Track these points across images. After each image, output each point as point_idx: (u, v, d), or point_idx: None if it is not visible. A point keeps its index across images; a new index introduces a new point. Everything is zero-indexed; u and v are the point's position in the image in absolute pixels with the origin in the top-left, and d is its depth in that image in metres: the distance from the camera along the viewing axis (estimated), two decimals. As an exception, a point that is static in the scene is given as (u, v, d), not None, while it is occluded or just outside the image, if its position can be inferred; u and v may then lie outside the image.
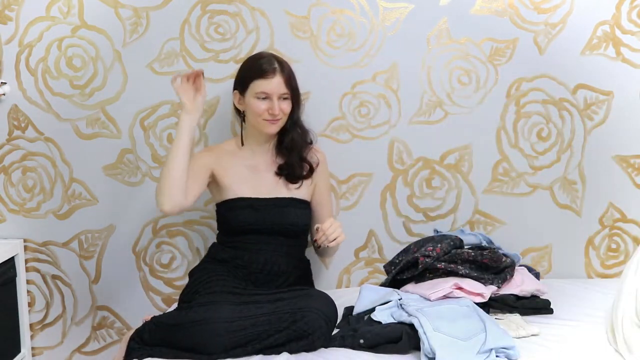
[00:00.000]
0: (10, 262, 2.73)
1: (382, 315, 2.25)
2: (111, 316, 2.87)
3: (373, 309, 2.31)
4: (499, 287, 2.39)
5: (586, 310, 2.40)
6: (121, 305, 2.86)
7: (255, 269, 2.41)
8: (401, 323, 2.18)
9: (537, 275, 2.60)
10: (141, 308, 2.83)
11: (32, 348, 2.88)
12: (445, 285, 2.34)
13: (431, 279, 2.42)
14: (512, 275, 2.44)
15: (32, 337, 2.87)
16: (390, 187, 2.80)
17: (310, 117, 2.72)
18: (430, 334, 2.05)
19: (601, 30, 2.70)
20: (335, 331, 2.25)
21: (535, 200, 2.79)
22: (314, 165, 2.53)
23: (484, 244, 2.61)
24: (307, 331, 2.10)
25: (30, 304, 2.86)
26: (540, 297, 2.44)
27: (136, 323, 2.68)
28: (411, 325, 2.14)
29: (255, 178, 2.48)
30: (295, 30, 2.70)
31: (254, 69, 2.43)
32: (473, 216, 2.81)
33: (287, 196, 2.48)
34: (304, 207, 2.50)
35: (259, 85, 2.40)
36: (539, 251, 2.82)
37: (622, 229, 2.82)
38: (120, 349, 2.24)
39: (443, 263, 2.40)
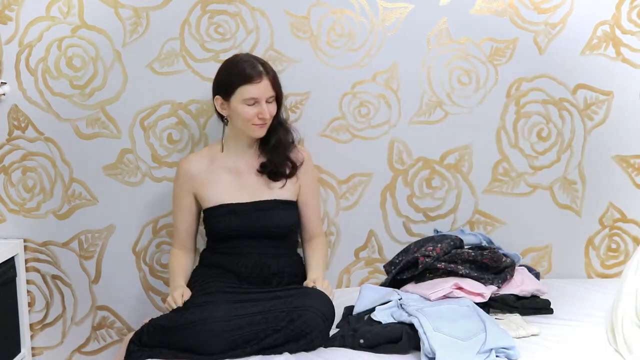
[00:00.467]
0: (10, 262, 2.72)
1: (382, 315, 2.25)
2: (111, 316, 2.87)
3: (373, 309, 2.31)
4: (499, 287, 2.39)
5: (586, 310, 2.40)
6: (121, 305, 2.86)
7: (245, 273, 2.41)
8: (401, 323, 2.18)
9: (537, 275, 2.61)
10: (141, 308, 2.83)
11: (32, 348, 2.88)
12: (445, 285, 2.34)
13: (431, 279, 2.42)
14: (512, 275, 2.44)
15: (32, 337, 2.87)
16: (390, 187, 2.80)
17: (310, 117, 2.73)
18: (430, 334, 2.05)
19: (601, 30, 2.70)
20: (335, 331, 2.25)
21: (535, 200, 2.79)
22: (298, 164, 2.51)
23: (484, 244, 2.61)
24: (305, 330, 2.10)
25: (30, 304, 2.86)
26: (540, 297, 2.44)
27: (136, 323, 2.69)
28: (411, 325, 2.14)
29: (238, 182, 2.47)
30: (295, 30, 2.70)
31: (238, 74, 2.39)
32: (473, 216, 2.81)
33: (269, 198, 2.46)
34: (288, 208, 2.49)
35: (247, 91, 2.37)
36: (539, 251, 2.82)
37: (622, 229, 2.82)
38: (120, 351, 2.24)
39: (443, 263, 2.40)
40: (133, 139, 2.76)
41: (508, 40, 2.71)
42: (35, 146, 2.77)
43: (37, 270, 2.84)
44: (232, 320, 2.10)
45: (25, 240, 2.82)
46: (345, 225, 2.80)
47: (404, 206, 2.81)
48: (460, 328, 2.10)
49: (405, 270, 2.48)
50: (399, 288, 2.47)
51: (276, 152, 2.47)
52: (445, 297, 2.32)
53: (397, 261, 2.56)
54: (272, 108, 2.42)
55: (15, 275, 2.76)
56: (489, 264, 2.41)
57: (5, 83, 2.70)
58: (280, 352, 2.09)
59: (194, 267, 2.55)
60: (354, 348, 2.13)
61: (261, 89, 2.38)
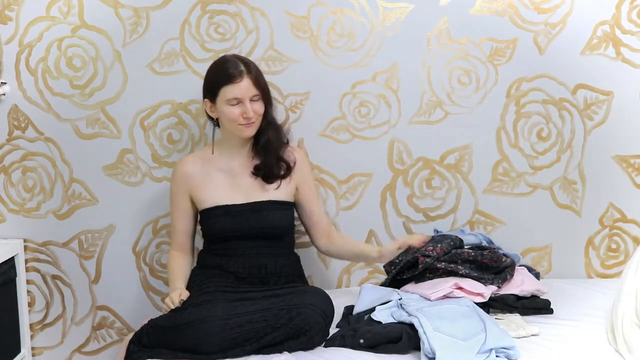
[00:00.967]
0: (10, 262, 2.73)
1: (382, 315, 2.25)
2: (111, 316, 2.87)
3: (373, 309, 2.30)
4: (499, 287, 2.39)
5: (586, 310, 2.40)
6: (121, 305, 2.86)
7: (243, 273, 2.41)
8: (401, 323, 2.18)
9: (537, 275, 2.60)
10: (141, 308, 2.83)
11: (32, 348, 2.88)
12: (445, 285, 2.34)
13: (431, 279, 2.42)
14: (512, 275, 2.44)
15: (32, 337, 2.87)
16: (390, 187, 2.80)
17: (310, 117, 2.73)
18: (431, 334, 2.05)
19: (601, 30, 2.70)
20: (335, 331, 2.25)
21: (535, 200, 2.80)
22: (292, 164, 2.50)
23: (484, 243, 2.61)
24: (305, 328, 2.10)
25: (30, 304, 2.86)
26: (541, 297, 2.43)
27: (136, 323, 2.69)
28: (411, 325, 2.14)
29: (232, 183, 2.47)
30: (295, 30, 2.70)
31: (220, 75, 2.39)
32: (473, 216, 2.81)
33: (264, 199, 2.45)
34: (283, 209, 2.48)
35: (229, 91, 2.37)
36: (539, 251, 2.82)
37: (622, 229, 2.82)
38: (120, 352, 2.24)
39: (443, 263, 2.40)
40: (133, 139, 2.76)
41: (508, 40, 2.71)
42: (35, 146, 2.77)
43: (37, 270, 2.84)
44: (231, 319, 2.10)
45: (25, 240, 2.82)
46: (345, 225, 2.80)
47: (404, 206, 2.81)
48: (460, 328, 2.09)
49: (406, 270, 2.47)
50: (399, 288, 2.47)
51: (267, 152, 2.46)
52: (445, 297, 2.32)
53: (397, 261, 2.55)
54: (257, 107, 2.40)
55: (15, 275, 2.76)
56: (489, 264, 2.41)
57: (5, 83, 2.70)
58: (280, 351, 2.09)
59: (193, 268, 2.54)
60: (354, 348, 2.13)
61: (242, 88, 2.37)
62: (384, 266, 2.60)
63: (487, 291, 2.34)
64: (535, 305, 2.37)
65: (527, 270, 2.56)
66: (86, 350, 2.90)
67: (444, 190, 2.80)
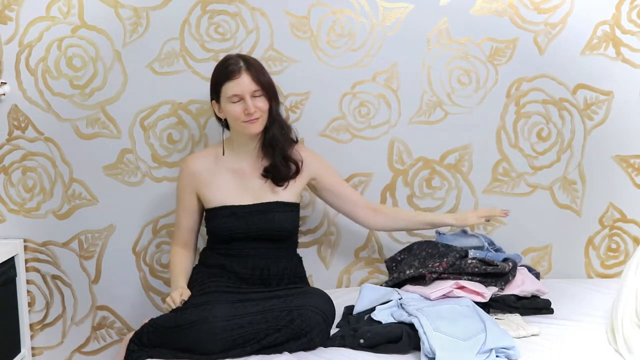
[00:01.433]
0: (10, 262, 2.72)
1: (382, 315, 2.25)
2: (111, 316, 2.87)
3: (373, 309, 2.30)
4: (501, 289, 2.38)
5: (586, 310, 2.40)
6: (121, 305, 2.86)
7: (245, 274, 2.41)
8: (401, 323, 2.18)
9: (537, 275, 2.60)
10: (141, 308, 2.83)
11: (32, 348, 2.88)
12: (445, 284, 2.34)
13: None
14: (514, 277, 2.43)
15: (32, 337, 2.87)
16: (390, 187, 2.80)
17: (310, 117, 2.73)
18: (431, 334, 2.05)
19: (601, 30, 2.70)
20: (335, 331, 2.25)
21: (535, 200, 2.80)
22: (299, 163, 2.48)
23: (486, 245, 2.60)
24: (305, 329, 2.10)
25: (30, 304, 2.86)
26: (541, 297, 2.43)
27: (136, 323, 2.69)
28: (411, 325, 2.14)
29: (240, 183, 2.46)
30: (295, 30, 2.70)
31: (221, 73, 2.39)
32: (473, 216, 2.80)
33: (272, 200, 2.44)
34: (290, 210, 2.47)
35: (229, 89, 2.36)
36: (539, 251, 2.82)
37: (622, 229, 2.82)
38: (120, 352, 2.24)
39: (449, 274, 2.39)
40: (133, 139, 2.76)
41: (508, 40, 2.71)
42: (35, 146, 2.77)
43: (37, 270, 2.84)
44: (232, 320, 2.10)
45: (25, 240, 2.82)
46: (345, 225, 2.80)
47: (404, 206, 2.81)
48: (460, 328, 2.09)
49: (409, 280, 2.46)
50: (399, 287, 2.47)
51: (273, 150, 2.44)
52: (445, 296, 2.32)
53: (399, 258, 2.56)
54: (259, 103, 2.37)
55: (15, 275, 2.76)
56: (494, 273, 2.41)
57: (5, 83, 2.70)
58: (280, 352, 2.09)
59: (195, 266, 2.54)
60: (354, 348, 2.13)
61: (242, 84, 2.35)
62: (385, 261, 2.61)
63: (488, 292, 2.34)
64: (536, 305, 2.37)
65: (527, 271, 2.55)
66: (86, 350, 2.90)
67: (444, 190, 2.80)
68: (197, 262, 2.55)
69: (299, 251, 2.61)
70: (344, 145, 2.76)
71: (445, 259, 2.40)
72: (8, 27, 2.69)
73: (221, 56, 2.68)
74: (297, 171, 2.47)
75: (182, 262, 2.51)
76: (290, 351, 2.09)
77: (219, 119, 2.48)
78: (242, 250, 2.42)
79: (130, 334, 2.22)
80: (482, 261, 2.43)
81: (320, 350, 2.12)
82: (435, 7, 2.69)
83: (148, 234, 2.82)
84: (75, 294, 2.86)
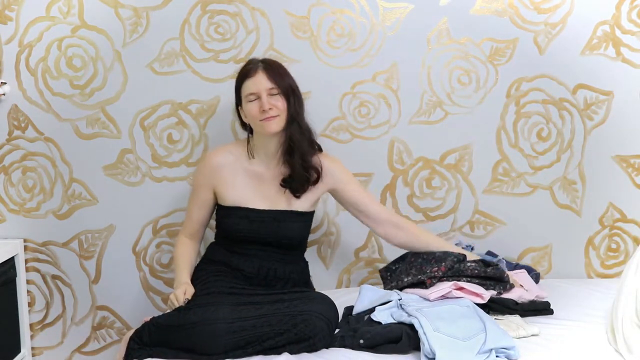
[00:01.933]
0: (10, 262, 2.72)
1: (382, 316, 2.25)
2: (111, 316, 2.87)
3: (373, 309, 2.30)
4: (499, 294, 2.37)
5: (586, 310, 2.39)
6: (121, 305, 2.86)
7: (250, 274, 2.41)
8: (401, 323, 2.18)
9: (537, 276, 2.60)
10: (141, 308, 2.83)
11: (32, 348, 2.88)
12: (444, 285, 2.34)
13: (432, 283, 2.42)
14: (512, 287, 2.43)
15: (32, 337, 2.87)
16: (390, 187, 2.80)
17: (310, 117, 2.71)
18: (430, 335, 2.05)
19: (601, 30, 2.70)
20: (335, 331, 2.24)
21: (535, 200, 2.80)
22: (320, 170, 2.44)
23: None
24: (308, 334, 2.09)
25: (30, 304, 2.86)
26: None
27: (136, 323, 2.68)
28: (411, 326, 2.14)
29: (258, 187, 2.44)
30: (295, 30, 2.70)
31: (240, 74, 2.41)
32: (473, 216, 2.81)
33: (286, 209, 2.43)
34: (302, 220, 2.46)
35: (246, 87, 2.37)
36: (539, 251, 2.82)
37: (622, 229, 2.82)
38: (120, 349, 2.24)
39: (448, 278, 2.39)
40: (133, 139, 2.76)
41: (508, 40, 2.71)
42: (35, 146, 2.77)
43: (37, 270, 2.84)
44: (236, 323, 2.10)
45: (25, 240, 2.82)
46: (345, 225, 2.80)
47: (404, 206, 2.81)
48: (460, 328, 2.09)
49: (409, 286, 2.46)
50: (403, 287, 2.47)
51: (292, 153, 2.39)
52: (444, 297, 2.31)
53: (394, 267, 2.55)
54: (276, 101, 2.35)
55: (15, 275, 2.76)
56: (493, 277, 2.41)
57: (5, 83, 2.70)
58: (280, 353, 2.08)
59: (200, 260, 2.53)
60: (353, 348, 2.13)
61: (256, 82, 2.35)
62: (380, 270, 2.61)
63: (487, 293, 2.34)
64: (535, 307, 2.37)
65: (527, 275, 2.54)
66: (86, 350, 2.90)
67: (444, 190, 2.80)
68: (202, 257, 2.54)
69: (306, 256, 2.61)
70: (344, 145, 2.76)
71: (443, 263, 2.39)
72: (8, 27, 2.69)
73: (221, 56, 2.70)
74: (317, 179, 2.44)
75: (187, 253, 2.49)
76: (291, 353, 2.09)
77: (243, 124, 2.46)
78: (250, 250, 2.42)
79: (131, 332, 2.21)
80: (482, 262, 2.43)
81: (321, 351, 2.11)
82: (435, 7, 2.69)
83: (148, 234, 2.82)
84: (75, 294, 2.86)
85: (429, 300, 2.30)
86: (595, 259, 2.83)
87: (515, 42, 2.71)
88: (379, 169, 2.78)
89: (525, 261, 2.79)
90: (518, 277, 2.49)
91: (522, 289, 2.43)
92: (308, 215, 2.49)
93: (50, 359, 2.89)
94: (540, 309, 2.37)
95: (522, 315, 2.33)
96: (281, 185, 2.43)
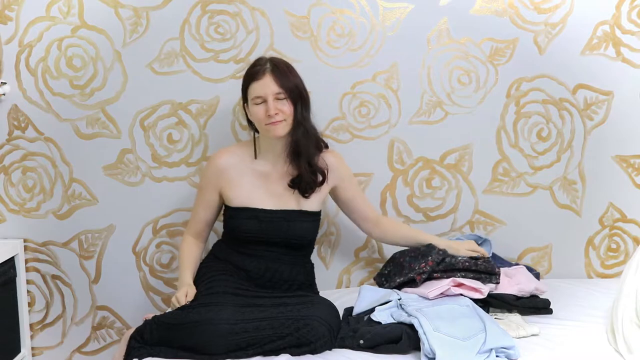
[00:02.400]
0: (10, 262, 2.73)
1: (382, 316, 2.25)
2: (111, 316, 2.87)
3: (373, 309, 2.30)
4: (497, 284, 2.38)
5: (586, 310, 2.40)
6: (121, 305, 2.86)
7: (256, 275, 2.40)
8: (401, 323, 2.18)
9: (537, 276, 2.60)
10: (141, 308, 2.83)
11: (32, 348, 2.88)
12: (442, 283, 2.34)
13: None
14: (499, 268, 2.44)
15: (32, 337, 2.87)
16: (390, 187, 2.80)
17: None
18: (430, 334, 2.05)
19: (601, 30, 2.70)
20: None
21: (535, 200, 2.79)
22: (325, 171, 2.44)
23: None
24: (310, 339, 2.09)
25: (30, 304, 2.86)
26: (540, 296, 2.43)
27: (136, 323, 2.68)
28: (411, 326, 2.14)
29: (265, 188, 2.43)
30: (295, 30, 2.70)
31: (248, 74, 2.38)
32: (473, 216, 2.81)
33: (295, 209, 2.42)
34: (312, 220, 2.46)
35: (253, 90, 2.35)
36: (539, 251, 2.82)
37: (622, 229, 2.82)
38: (120, 347, 2.24)
39: (439, 273, 2.39)
40: (133, 139, 2.76)
41: (508, 40, 2.71)
42: (35, 146, 2.77)
43: (37, 270, 2.84)
44: (238, 324, 2.10)
45: (25, 240, 2.82)
46: (345, 225, 2.80)
47: (404, 206, 2.81)
48: (460, 328, 2.10)
49: (402, 286, 2.47)
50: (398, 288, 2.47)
51: (299, 157, 2.39)
52: (444, 294, 2.32)
53: (387, 272, 2.56)
54: (282, 105, 2.33)
55: (15, 275, 2.76)
56: (484, 270, 2.41)
57: (5, 83, 2.70)
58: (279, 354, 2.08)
59: (205, 257, 2.53)
60: (353, 349, 2.13)
61: (264, 85, 2.33)
62: (374, 278, 2.61)
63: (486, 288, 2.34)
64: (535, 305, 2.38)
65: (526, 270, 2.55)
66: (86, 350, 2.90)
67: (444, 190, 2.80)
68: (208, 254, 2.53)
69: (312, 258, 2.60)
70: (344, 145, 2.76)
71: (429, 258, 2.40)
72: (8, 27, 2.69)
73: (221, 56, 2.69)
74: (323, 180, 2.44)
75: (192, 252, 2.49)
76: (292, 355, 2.08)
77: (249, 122, 2.45)
78: (257, 251, 2.41)
79: (131, 331, 2.21)
80: (472, 257, 2.43)
81: (320, 351, 2.12)
82: (435, 7, 2.69)
83: (148, 234, 2.82)
84: (75, 294, 2.86)
85: (428, 298, 2.30)
86: (595, 259, 2.83)
87: (515, 42, 2.71)
88: (379, 169, 2.78)
89: (525, 261, 2.80)
90: (517, 272, 2.49)
91: (518, 277, 2.43)
92: (317, 215, 2.48)
93: (50, 359, 2.89)
94: (540, 306, 2.37)
95: (522, 313, 2.33)
96: (289, 185, 2.42)
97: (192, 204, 2.57)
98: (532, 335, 2.21)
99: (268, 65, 2.36)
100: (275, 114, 2.32)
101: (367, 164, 2.77)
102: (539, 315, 2.35)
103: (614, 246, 2.83)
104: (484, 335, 2.07)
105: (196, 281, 2.40)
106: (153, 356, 2.11)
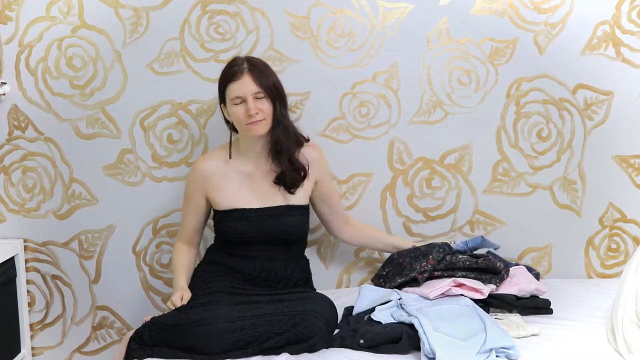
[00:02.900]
0: (10, 262, 2.73)
1: (382, 315, 2.25)
2: (111, 316, 2.87)
3: (373, 309, 2.31)
4: (497, 286, 2.38)
5: (586, 310, 2.40)
6: (121, 305, 2.86)
7: (252, 275, 2.41)
8: (401, 323, 2.18)
9: (537, 276, 2.60)
10: (141, 308, 2.83)
11: (32, 348, 2.88)
12: (443, 283, 2.34)
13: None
14: (508, 274, 2.44)
15: (32, 337, 2.87)
16: (390, 187, 2.80)
17: (310, 117, 2.73)
18: (430, 334, 2.05)
19: (601, 30, 2.70)
20: (335, 331, 2.25)
21: (535, 200, 2.79)
22: (306, 167, 2.46)
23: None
24: (308, 335, 2.10)
25: (30, 304, 2.86)
26: (540, 297, 2.43)
27: (136, 323, 2.69)
28: (411, 325, 2.14)
29: (251, 187, 2.45)
30: (295, 30, 2.70)
31: (225, 75, 2.39)
32: (473, 216, 2.81)
33: (282, 204, 2.44)
34: (300, 214, 2.47)
35: (232, 90, 2.36)
36: (539, 251, 2.82)
37: (622, 229, 2.82)
38: (120, 349, 2.24)
39: (440, 272, 2.40)
40: (133, 139, 2.76)
41: (508, 40, 2.71)
42: (35, 146, 2.77)
43: (37, 270, 2.84)
44: (235, 322, 2.10)
45: (25, 240, 2.82)
46: (345, 225, 2.80)
47: (404, 206, 2.81)
48: (460, 328, 2.10)
49: (403, 285, 2.47)
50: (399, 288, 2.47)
51: (279, 154, 2.42)
52: (444, 294, 2.32)
53: (384, 272, 2.56)
54: (262, 104, 2.35)
55: (15, 275, 2.76)
56: (486, 269, 2.41)
57: (5, 83, 2.70)
58: (280, 353, 2.08)
59: (199, 262, 2.54)
60: (353, 348, 2.13)
61: (243, 85, 2.34)
62: (372, 279, 2.61)
63: (486, 288, 2.34)
64: (535, 305, 2.38)
65: (526, 270, 2.55)
66: (86, 350, 2.90)
67: (444, 190, 2.80)
68: (202, 259, 2.54)
69: (306, 254, 2.61)
70: (344, 145, 2.76)
71: (430, 256, 2.40)
72: (8, 27, 2.69)
73: (221, 56, 2.69)
74: (305, 175, 2.46)
75: (185, 259, 2.50)
76: (291, 353, 2.09)
77: (227, 122, 2.48)
78: (251, 252, 2.42)
79: (131, 332, 2.22)
80: (473, 255, 2.43)
81: (320, 351, 2.12)
82: (435, 7, 2.69)
83: (148, 234, 2.82)
84: (75, 294, 2.86)
85: (428, 299, 2.30)
86: (595, 259, 2.83)
87: (515, 42, 2.71)
88: (379, 169, 2.78)
89: (525, 261, 2.79)
90: (517, 272, 2.49)
91: (518, 278, 2.43)
92: (305, 209, 2.49)
93: (50, 359, 2.89)
94: (540, 306, 2.37)
95: (522, 313, 2.33)
96: (275, 182, 2.43)
97: (192, 204, 2.58)
98: (532, 335, 2.21)
99: (245, 65, 2.37)
100: (256, 113, 2.34)
101: (367, 164, 2.77)
102: (539, 315, 2.35)
103: (614, 246, 2.83)
104: (484, 335, 2.07)
105: (192, 285, 2.40)
106: (153, 357, 2.11)
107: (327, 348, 2.14)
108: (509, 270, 2.45)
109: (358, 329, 2.20)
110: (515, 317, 2.30)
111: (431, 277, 2.40)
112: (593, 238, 2.82)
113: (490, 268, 2.40)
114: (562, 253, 2.82)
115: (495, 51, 2.72)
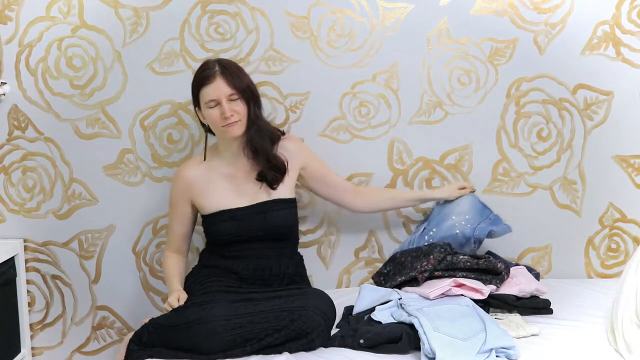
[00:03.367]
0: (10, 262, 2.73)
1: (382, 315, 2.25)
2: (111, 316, 2.87)
3: (373, 309, 2.31)
4: (497, 287, 2.39)
5: (586, 310, 2.40)
6: (121, 305, 2.86)
7: (247, 275, 2.41)
8: (401, 323, 2.18)
9: (537, 276, 2.60)
10: (141, 308, 2.83)
11: (32, 348, 2.88)
12: (443, 283, 2.34)
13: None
14: (508, 275, 2.44)
15: (32, 337, 2.87)
16: (390, 187, 2.80)
17: (310, 117, 2.73)
18: (430, 334, 2.05)
19: (601, 30, 2.70)
20: (335, 331, 2.25)
21: (535, 200, 2.79)
22: (285, 162, 2.46)
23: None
24: (306, 330, 2.10)
25: (30, 304, 2.86)
26: (540, 297, 2.43)
27: (136, 323, 2.69)
28: (411, 325, 2.14)
29: (234, 187, 2.46)
30: (295, 30, 2.70)
31: (198, 79, 2.40)
32: (473, 216, 2.80)
33: (268, 199, 2.44)
34: (288, 207, 2.47)
35: (205, 94, 2.36)
36: (539, 251, 2.82)
37: (622, 229, 2.82)
38: (120, 351, 2.25)
39: (441, 272, 2.40)
40: (133, 139, 2.76)
41: (508, 40, 2.71)
42: (35, 146, 2.77)
43: (37, 270, 2.84)
44: (233, 320, 2.11)
45: (25, 240, 2.82)
46: (345, 225, 2.80)
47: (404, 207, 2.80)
48: (460, 328, 2.10)
49: (403, 284, 2.47)
50: (399, 288, 2.47)
51: (255, 154, 2.43)
52: (444, 294, 2.32)
53: (386, 271, 2.56)
54: (236, 106, 2.36)
55: (15, 275, 2.76)
56: (486, 270, 2.41)
57: (5, 83, 2.70)
58: (280, 352, 2.09)
59: (194, 266, 2.54)
60: (353, 348, 2.13)
61: (216, 88, 2.35)
62: (373, 277, 2.62)
63: (486, 289, 2.34)
64: (535, 305, 2.38)
65: (526, 270, 2.55)
66: (86, 350, 2.90)
67: (444, 190, 2.80)
68: (196, 263, 2.55)
69: (299, 250, 2.61)
70: (344, 145, 2.76)
71: (431, 256, 2.41)
72: (8, 27, 2.69)
73: (221, 56, 2.69)
74: (284, 171, 2.46)
75: (176, 266, 2.52)
76: (291, 351, 2.09)
77: (203, 125, 2.49)
78: (243, 251, 2.42)
79: (131, 334, 2.22)
80: (473, 256, 2.44)
81: (320, 351, 2.12)
82: (435, 7, 2.69)
83: (148, 234, 2.82)
84: (75, 294, 2.86)
85: (428, 298, 2.30)
86: (595, 259, 2.83)
87: (515, 42, 2.71)
88: (379, 169, 2.78)
89: (525, 261, 2.79)
90: (517, 272, 2.49)
91: (519, 278, 2.43)
92: (291, 202, 2.49)
93: (50, 359, 2.89)
94: (540, 307, 2.37)
95: (522, 313, 2.33)
96: (257, 179, 2.44)
97: (192, 204, 2.58)
98: (532, 335, 2.21)
99: (217, 67, 2.37)
100: (231, 115, 2.35)
101: (367, 164, 2.77)
102: (539, 315, 2.35)
103: (614, 246, 2.83)
104: (484, 335, 2.07)
105: (188, 286, 2.41)
106: (152, 358, 2.11)
107: (325, 342, 2.15)
108: (509, 271, 2.45)
109: (358, 328, 2.20)
110: (515, 317, 2.30)
111: (431, 277, 2.40)
112: (593, 238, 2.82)
113: (491, 269, 2.40)
114: (562, 253, 2.82)
115: (495, 51, 2.72)
